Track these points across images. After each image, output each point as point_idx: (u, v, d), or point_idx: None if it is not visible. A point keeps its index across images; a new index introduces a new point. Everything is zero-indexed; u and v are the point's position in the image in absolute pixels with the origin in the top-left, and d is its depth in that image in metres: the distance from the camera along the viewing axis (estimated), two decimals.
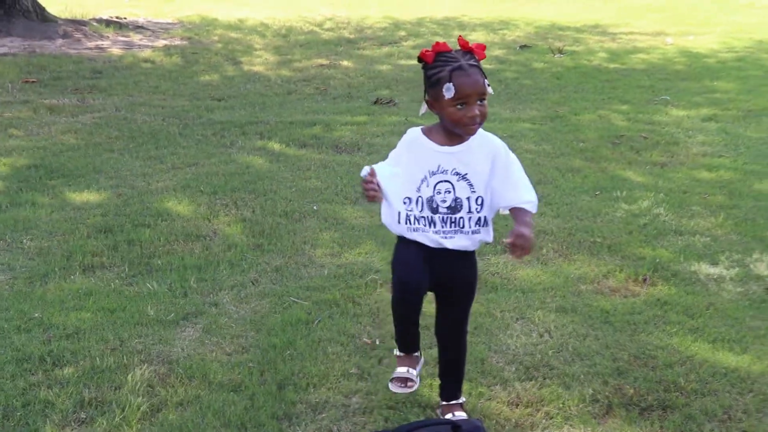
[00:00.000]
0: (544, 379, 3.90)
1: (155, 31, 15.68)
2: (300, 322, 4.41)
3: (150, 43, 14.28)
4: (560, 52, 13.69)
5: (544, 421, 3.58)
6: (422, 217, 3.25)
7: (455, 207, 3.23)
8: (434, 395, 3.72)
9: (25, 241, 5.50)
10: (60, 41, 13.96)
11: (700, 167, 7.32)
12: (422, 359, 3.70)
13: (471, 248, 3.33)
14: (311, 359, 4.05)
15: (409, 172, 3.25)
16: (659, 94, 10.50)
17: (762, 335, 4.30)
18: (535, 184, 6.57)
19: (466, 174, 3.21)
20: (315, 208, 6.13)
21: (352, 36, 15.65)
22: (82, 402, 3.68)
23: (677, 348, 4.17)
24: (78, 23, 15.27)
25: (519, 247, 3.09)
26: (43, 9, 15.00)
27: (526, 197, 3.28)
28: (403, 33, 15.99)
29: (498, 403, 3.70)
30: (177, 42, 14.56)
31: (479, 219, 3.27)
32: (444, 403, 3.60)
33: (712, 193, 6.57)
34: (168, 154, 7.56)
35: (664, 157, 7.66)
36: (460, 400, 3.61)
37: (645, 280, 4.96)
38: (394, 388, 3.54)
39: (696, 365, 4.00)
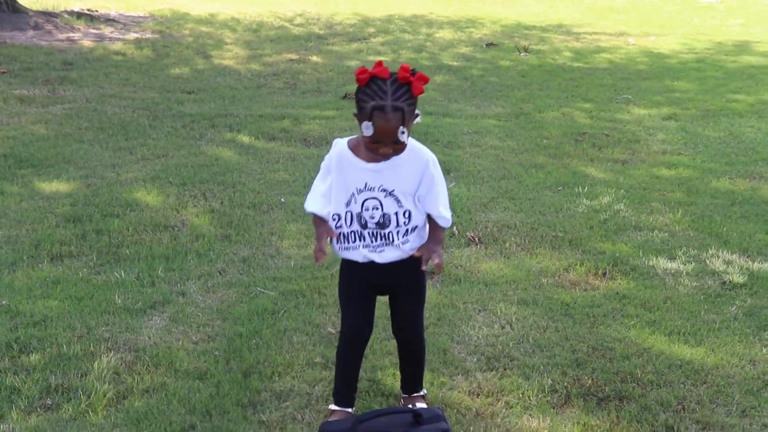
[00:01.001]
0: (505, 369, 3.97)
1: (126, 24, 15.63)
2: (266, 311, 4.47)
3: (121, 36, 14.23)
4: (526, 50, 13.78)
5: (504, 410, 3.64)
6: (352, 232, 3.29)
7: (383, 223, 3.26)
8: (397, 384, 3.78)
9: None
10: (31, 32, 13.88)
11: (659, 165, 7.43)
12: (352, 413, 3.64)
13: (401, 257, 3.34)
14: (276, 348, 4.10)
15: (338, 188, 3.28)
16: (621, 93, 10.62)
17: (716, 329, 4.40)
18: (499, 179, 6.71)
19: (393, 190, 3.22)
20: (283, 200, 6.17)
21: (321, 32, 15.67)
22: (48, 388, 3.72)
23: (635, 340, 4.25)
24: (49, 15, 15.18)
25: (426, 259, 3.24)
26: (14, 0, 14.90)
27: (443, 213, 3.31)
28: (372, 30, 16.03)
29: (459, 392, 3.77)
30: (148, 35, 14.52)
31: (407, 230, 3.30)
32: (405, 395, 3.66)
33: (670, 190, 6.68)
34: (138, 145, 7.57)
35: (625, 154, 7.77)
36: (421, 393, 3.67)
37: (604, 273, 5.05)
38: None
39: (652, 357, 4.09)
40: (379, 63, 3.10)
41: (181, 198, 6.15)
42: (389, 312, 3.60)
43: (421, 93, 3.07)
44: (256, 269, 5.02)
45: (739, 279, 4.99)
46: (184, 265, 5.04)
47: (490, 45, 14.49)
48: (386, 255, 3.32)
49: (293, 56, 12.93)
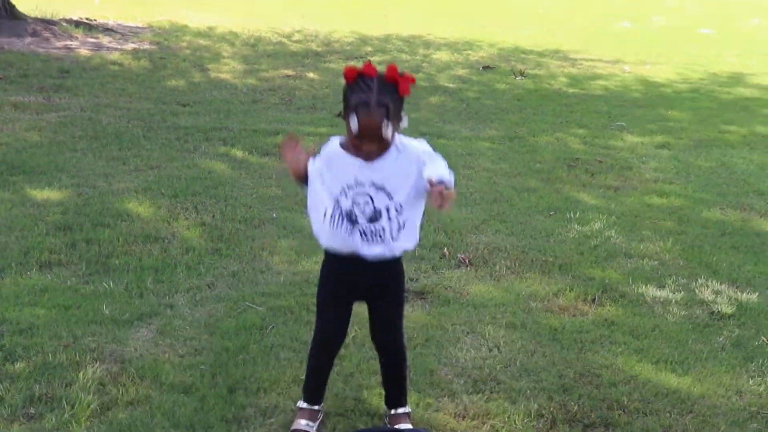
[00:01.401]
0: (491, 392, 3.97)
1: (125, 34, 15.63)
2: (254, 327, 4.46)
3: (119, 46, 14.23)
4: (522, 74, 13.81)
5: None
6: (342, 224, 3.30)
7: (374, 217, 3.26)
8: (383, 403, 3.77)
9: None
10: (28, 39, 13.87)
11: (651, 193, 7.45)
12: (322, 414, 3.67)
13: (389, 256, 3.36)
14: (263, 364, 4.09)
15: (328, 185, 3.28)
16: (615, 120, 10.65)
17: (704, 358, 4.41)
18: (491, 201, 6.71)
19: (384, 185, 3.23)
20: (274, 215, 6.17)
21: (319, 49, 15.69)
22: (31, 397, 3.70)
23: (622, 367, 4.26)
24: (47, 22, 15.17)
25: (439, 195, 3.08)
26: (12, 6, 14.89)
27: (446, 173, 3.22)
28: (369, 48, 16.06)
29: (445, 414, 3.76)
30: (146, 46, 14.53)
31: (399, 225, 3.30)
32: (392, 412, 3.65)
33: (662, 218, 6.70)
34: (131, 155, 7.56)
35: (617, 181, 7.79)
36: (406, 409, 3.66)
37: (594, 300, 5.06)
38: None
39: (639, 385, 4.09)
40: (368, 63, 3.15)
41: (173, 210, 6.14)
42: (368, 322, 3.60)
43: (407, 93, 3.11)
44: (245, 284, 5.02)
45: (727, 309, 5.00)
46: (174, 278, 5.03)
47: (486, 68, 14.53)
48: (375, 250, 3.31)
49: (290, 72, 12.94)
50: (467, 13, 23.60)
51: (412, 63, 14.56)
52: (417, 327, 4.56)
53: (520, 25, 21.63)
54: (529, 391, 3.98)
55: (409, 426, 3.58)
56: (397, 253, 3.38)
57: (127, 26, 16.73)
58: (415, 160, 3.24)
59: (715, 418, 3.85)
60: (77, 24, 15.55)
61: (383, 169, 3.22)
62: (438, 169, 3.19)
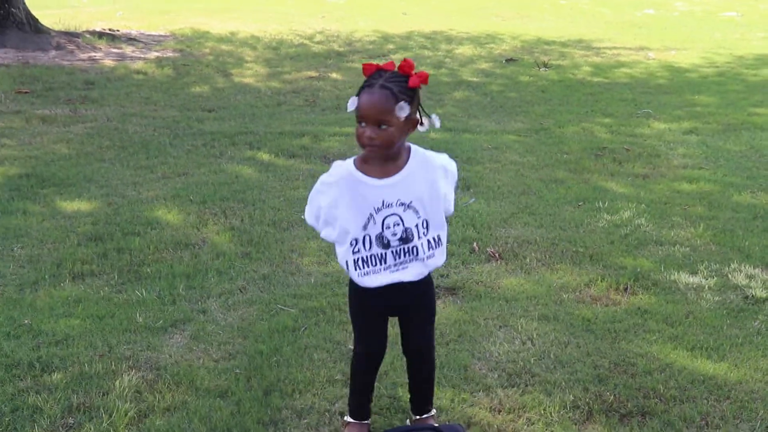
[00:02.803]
0: (526, 385, 3.96)
1: (147, 43, 15.73)
2: (287, 329, 4.47)
3: (142, 55, 14.32)
4: (545, 65, 13.77)
5: (525, 427, 3.63)
6: (371, 255, 3.22)
7: (406, 237, 3.20)
8: None
9: (15, 249, 5.56)
10: (53, 53, 14.00)
11: (680, 179, 7.41)
12: (369, 429, 3.64)
13: (425, 274, 3.32)
14: (297, 366, 4.10)
15: (352, 212, 3.17)
16: (641, 108, 10.60)
17: (739, 343, 4.37)
18: (519, 194, 6.70)
19: (411, 202, 3.17)
20: (303, 217, 6.18)
21: (341, 49, 15.72)
22: (70, 407, 3.73)
23: (657, 355, 4.23)
24: (71, 35, 15.29)
25: None
26: (36, 21, 15.02)
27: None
28: (391, 46, 16.07)
29: (480, 409, 3.76)
30: (169, 54, 14.61)
31: (430, 241, 3.25)
32: (417, 417, 3.63)
33: (692, 204, 6.66)
34: (158, 163, 7.61)
35: (645, 168, 7.75)
36: (431, 413, 3.64)
37: (626, 289, 5.03)
38: None
39: (675, 372, 4.07)
40: (391, 62, 3.13)
41: (202, 216, 6.18)
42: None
43: (416, 86, 3.06)
44: (276, 286, 5.03)
45: (761, 293, 4.96)
46: (205, 283, 5.06)
47: (509, 60, 14.50)
48: (411, 271, 3.27)
49: (313, 73, 12.98)
50: (488, 6, 23.53)
51: (434, 59, 14.55)
52: (449, 323, 4.55)
53: (542, 17, 21.56)
54: (564, 383, 3.96)
55: None
56: (429, 270, 3.33)
57: (150, 35, 16.83)
58: (436, 173, 3.22)
59: (753, 403, 3.82)
60: (100, 35, 15.67)
61: (409, 185, 3.17)
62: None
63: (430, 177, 3.21)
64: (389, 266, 3.24)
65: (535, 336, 4.44)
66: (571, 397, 3.84)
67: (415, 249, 3.23)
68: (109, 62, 13.45)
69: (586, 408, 3.77)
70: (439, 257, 3.32)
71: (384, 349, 3.53)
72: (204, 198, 6.55)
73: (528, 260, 5.46)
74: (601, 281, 5.13)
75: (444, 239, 3.33)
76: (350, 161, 3.19)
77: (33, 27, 14.80)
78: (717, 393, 3.90)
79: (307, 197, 3.31)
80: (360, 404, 3.60)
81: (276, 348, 4.27)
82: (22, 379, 3.95)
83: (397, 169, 3.16)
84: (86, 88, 11.27)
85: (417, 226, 3.21)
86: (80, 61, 13.43)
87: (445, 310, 4.72)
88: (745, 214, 6.40)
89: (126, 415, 3.66)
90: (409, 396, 3.69)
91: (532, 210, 6.41)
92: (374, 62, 3.16)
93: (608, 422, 3.66)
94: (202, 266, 5.30)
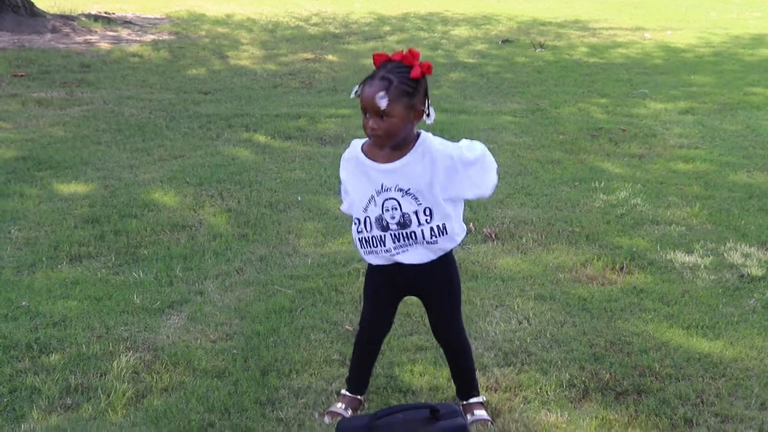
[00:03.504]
0: (522, 364, 3.97)
1: (143, 26, 15.68)
2: (284, 309, 4.49)
3: (138, 38, 14.29)
4: (541, 46, 13.76)
5: (521, 405, 3.64)
6: (372, 237, 3.27)
7: (404, 222, 3.21)
8: (415, 379, 3.81)
9: (12, 231, 5.56)
10: (49, 36, 13.96)
11: (676, 159, 7.41)
12: (362, 405, 3.65)
13: (432, 257, 3.31)
14: (294, 346, 4.12)
15: (356, 193, 3.29)
16: (637, 88, 10.60)
17: (735, 322, 4.39)
18: (516, 175, 6.70)
19: (409, 189, 3.18)
20: (299, 199, 6.19)
21: (337, 31, 15.69)
22: (68, 388, 3.74)
23: (652, 334, 4.25)
24: (66, 18, 15.25)
25: None
26: (32, 4, 14.98)
27: (488, 188, 3.31)
28: (387, 28, 16.04)
29: None
30: (165, 37, 14.57)
31: (433, 228, 3.23)
32: (464, 402, 3.60)
33: (688, 184, 6.67)
34: (155, 146, 7.61)
35: (641, 149, 7.75)
36: (479, 399, 3.60)
37: (622, 268, 5.05)
38: (327, 419, 3.53)
39: (671, 351, 4.08)
40: (399, 52, 3.13)
41: (198, 198, 6.18)
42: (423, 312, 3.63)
43: (418, 77, 3.07)
44: (273, 268, 5.04)
45: (757, 272, 4.97)
46: (202, 265, 5.07)
47: (506, 42, 14.48)
48: (411, 255, 3.28)
49: (309, 56, 12.95)
50: None
51: (430, 40, 14.52)
52: None
53: None
54: (560, 362, 3.97)
55: (483, 414, 3.54)
56: (437, 255, 3.31)
57: (146, 18, 16.79)
58: (441, 163, 3.18)
59: (748, 380, 3.83)
60: (96, 18, 15.62)
61: (408, 172, 3.18)
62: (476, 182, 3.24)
63: (433, 167, 3.18)
64: (389, 249, 3.27)
65: (531, 315, 4.45)
66: (567, 376, 3.85)
67: (413, 234, 3.23)
68: (104, 45, 13.41)
69: (582, 386, 3.78)
70: (447, 243, 3.29)
71: (384, 328, 3.58)
72: (200, 180, 6.55)
73: (524, 240, 5.47)
74: (597, 261, 5.14)
75: (453, 226, 3.28)
76: (360, 143, 3.29)
77: (28, 10, 14.76)
78: (712, 371, 3.91)
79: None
80: (355, 377, 3.64)
81: (273, 328, 4.28)
82: (20, 360, 3.96)
83: (400, 156, 3.18)
84: (82, 71, 11.24)
85: (416, 213, 3.20)
86: (76, 44, 13.40)
87: None
88: (741, 194, 6.41)
89: (124, 395, 3.67)
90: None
91: (528, 190, 6.42)
92: (383, 52, 3.18)
93: (604, 400, 3.68)
94: (199, 248, 5.30)
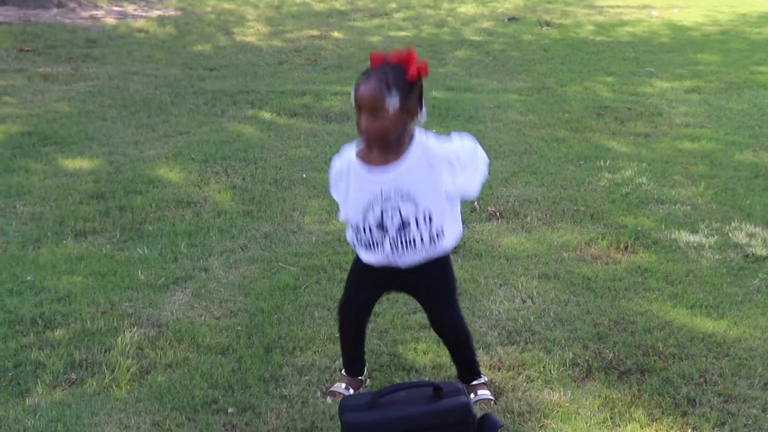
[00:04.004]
0: (526, 343, 3.97)
1: (149, 1, 15.66)
2: (288, 287, 4.49)
3: (144, 14, 14.27)
4: (548, 24, 13.70)
5: (525, 384, 3.64)
6: (370, 241, 3.25)
7: (403, 227, 3.18)
8: (419, 358, 3.81)
9: (18, 206, 5.57)
10: (55, 11, 13.94)
11: (682, 138, 7.40)
12: (366, 382, 3.67)
13: (425, 261, 3.30)
14: (298, 323, 4.12)
15: (353, 199, 3.24)
16: (644, 66, 10.56)
17: (739, 301, 4.38)
18: (521, 153, 6.69)
19: (409, 192, 3.15)
20: (304, 176, 6.19)
21: (343, 8, 15.64)
22: (72, 363, 3.75)
23: (656, 314, 4.24)
24: None
25: None
26: None
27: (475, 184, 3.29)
28: (393, 5, 15.98)
29: (480, 366, 3.73)
30: (171, 12, 14.55)
31: (432, 233, 3.22)
32: (465, 384, 3.57)
33: (693, 163, 6.65)
34: (160, 122, 7.61)
35: (647, 127, 7.73)
36: (481, 380, 3.61)
37: (626, 247, 5.04)
38: (329, 399, 3.53)
39: (674, 330, 4.08)
40: (395, 53, 3.11)
41: (203, 174, 6.18)
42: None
43: (414, 79, 3.05)
44: (277, 245, 5.05)
45: (762, 251, 4.96)
46: (207, 241, 5.07)
47: (512, 19, 14.42)
48: (408, 259, 3.27)
49: (315, 32, 12.91)
50: None
51: (436, 18, 14.47)
52: None
53: None
54: (563, 341, 3.97)
55: (487, 394, 3.55)
56: (436, 255, 3.31)
57: None
58: (440, 163, 3.16)
59: (751, 360, 3.83)
60: None
61: (407, 175, 3.14)
62: (467, 183, 3.23)
63: (431, 169, 3.16)
64: (387, 255, 3.25)
65: (535, 294, 4.45)
66: (571, 355, 3.85)
67: (413, 240, 3.22)
68: (110, 20, 13.39)
69: (586, 365, 3.78)
70: (444, 246, 3.29)
71: (358, 314, 3.54)
72: (206, 156, 6.55)
73: (529, 219, 5.46)
74: (602, 240, 5.13)
75: (451, 227, 3.29)
76: (353, 149, 3.22)
77: None
78: (716, 350, 3.91)
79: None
80: (350, 360, 3.64)
81: (277, 306, 4.29)
82: (25, 335, 3.98)
83: (397, 158, 3.13)
84: (88, 47, 11.23)
85: (416, 216, 3.18)
86: (82, 20, 13.38)
87: None
88: (747, 173, 6.40)
89: (128, 371, 3.68)
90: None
91: (533, 169, 6.41)
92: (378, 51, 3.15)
93: (607, 380, 3.68)
94: (203, 224, 5.31)
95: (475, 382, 3.59)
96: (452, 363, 3.68)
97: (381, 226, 3.20)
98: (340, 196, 3.33)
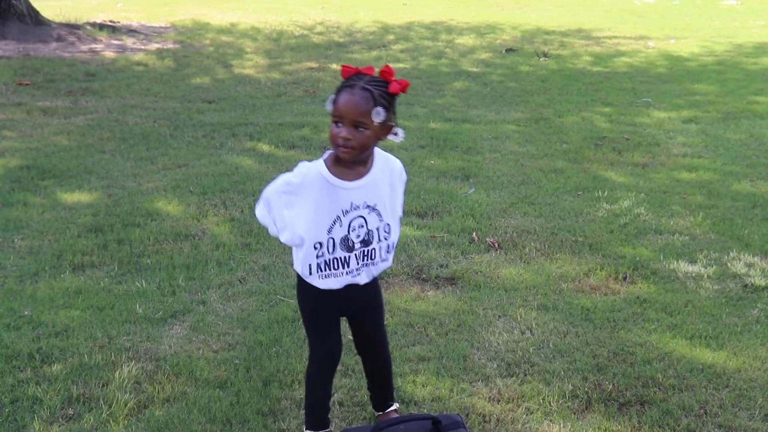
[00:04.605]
0: (525, 375, 3.96)
1: (148, 34, 15.72)
2: (286, 319, 4.48)
3: (143, 47, 14.32)
4: (545, 55, 13.76)
5: (524, 416, 3.63)
6: (335, 258, 3.18)
7: (368, 240, 3.19)
8: (418, 390, 3.80)
9: (16, 240, 5.57)
10: (54, 44, 14.00)
11: (680, 168, 7.41)
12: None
13: (375, 275, 3.33)
14: (296, 356, 4.11)
15: (318, 214, 3.09)
16: (641, 97, 10.59)
17: (738, 332, 4.38)
18: (519, 184, 6.70)
19: (375, 204, 3.16)
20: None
21: (342, 40, 15.71)
22: (69, 398, 3.74)
23: (656, 344, 4.24)
24: (72, 27, 15.29)
25: None
26: (37, 13, 15.03)
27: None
28: (392, 37, 16.05)
29: (479, 398, 3.76)
30: (169, 45, 14.60)
31: (388, 246, 3.26)
32: (380, 413, 3.61)
33: (691, 193, 6.66)
34: (159, 155, 7.62)
35: (645, 158, 7.75)
36: (395, 406, 3.62)
37: (625, 278, 5.04)
38: None
39: (674, 361, 4.07)
40: (370, 67, 3.09)
41: (202, 207, 6.18)
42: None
43: (396, 93, 3.02)
44: (276, 277, 5.04)
45: (761, 282, 4.96)
46: (205, 274, 5.06)
47: (509, 50, 14.49)
48: (365, 276, 3.27)
49: (313, 64, 12.97)
50: None
51: (434, 49, 14.53)
52: (448, 313, 4.57)
53: (541, 6, 21.52)
54: (563, 372, 3.97)
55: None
56: (379, 272, 3.35)
57: (151, 27, 16.82)
58: (396, 177, 3.25)
59: (752, 391, 3.82)
60: (101, 27, 15.66)
61: (374, 187, 3.15)
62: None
63: (390, 181, 3.22)
64: (351, 270, 3.22)
65: (534, 325, 4.44)
66: (570, 387, 3.85)
67: (373, 252, 3.23)
68: (109, 54, 13.45)
69: (585, 397, 3.78)
70: (388, 261, 3.33)
71: (338, 356, 3.44)
72: (204, 189, 6.56)
73: (527, 250, 5.46)
74: (601, 270, 5.14)
75: (395, 244, 3.33)
76: (320, 162, 3.11)
77: (34, 19, 14.81)
78: (716, 381, 3.91)
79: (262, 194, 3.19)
80: (321, 415, 3.49)
81: (275, 339, 4.27)
82: (22, 370, 3.96)
83: (366, 171, 3.13)
84: (87, 80, 11.27)
85: (378, 229, 3.21)
86: (81, 53, 13.43)
87: (444, 300, 4.73)
88: (745, 203, 6.41)
89: (125, 405, 3.67)
90: (369, 395, 3.66)
91: (532, 200, 6.42)
92: (352, 65, 3.12)
93: (607, 411, 3.67)
94: (201, 257, 5.30)
95: (390, 409, 3.61)
96: (370, 388, 3.64)
97: (346, 240, 3.16)
98: (291, 215, 3.10)
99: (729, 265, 5.23)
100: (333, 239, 3.13)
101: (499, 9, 21.39)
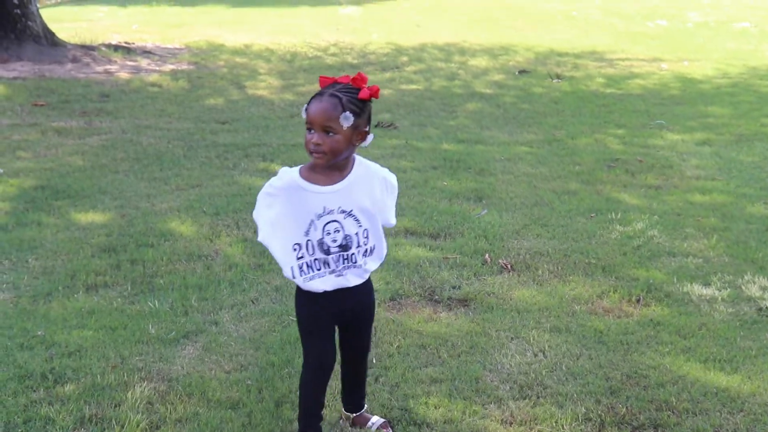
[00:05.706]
0: (538, 397, 3.95)
1: (163, 56, 15.78)
2: (298, 340, 4.42)
3: (157, 68, 14.37)
4: (558, 77, 13.75)
5: None
6: (315, 260, 3.28)
7: (346, 245, 3.29)
8: (430, 412, 3.79)
9: (30, 260, 5.59)
10: (69, 65, 14.06)
11: (693, 190, 7.39)
12: None
13: (362, 280, 3.41)
14: None
15: (294, 218, 3.23)
16: (654, 119, 10.57)
17: (753, 355, 4.36)
18: (532, 205, 6.69)
19: (351, 210, 3.26)
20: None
21: (355, 61, 15.74)
22: (82, 419, 3.75)
23: (669, 367, 4.22)
24: (87, 48, 15.37)
25: None
26: (53, 34, 15.11)
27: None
28: (405, 58, 16.07)
29: (492, 421, 3.76)
30: (184, 66, 14.66)
31: (366, 251, 3.35)
32: (354, 415, 3.72)
33: (705, 215, 6.64)
34: (172, 175, 7.64)
35: (658, 180, 7.73)
36: (364, 408, 3.73)
37: (638, 300, 5.03)
38: None
39: (687, 385, 4.06)
40: (346, 76, 3.24)
41: (215, 228, 6.20)
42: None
43: (366, 98, 3.16)
44: (288, 298, 5.04)
45: None
46: (218, 295, 5.07)
47: (523, 72, 14.49)
48: (350, 278, 3.35)
49: None
50: (501, 18, 23.53)
51: (447, 71, 14.55)
52: (461, 334, 4.56)
53: (555, 28, 21.53)
54: (576, 395, 3.96)
55: (378, 419, 3.69)
56: (367, 275, 3.43)
57: (165, 48, 16.89)
58: (378, 183, 3.34)
59: (766, 416, 3.80)
60: (116, 48, 15.73)
61: (351, 193, 3.26)
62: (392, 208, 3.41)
63: (371, 187, 3.32)
64: (333, 270, 3.31)
65: (547, 348, 4.43)
66: (583, 410, 3.84)
67: (353, 257, 3.32)
68: (124, 75, 13.51)
69: (598, 420, 3.77)
70: (373, 263, 3.41)
71: (333, 362, 3.50)
72: (217, 210, 6.58)
73: (540, 272, 5.45)
74: (614, 293, 5.12)
75: (379, 249, 3.41)
76: (296, 169, 3.28)
77: (49, 40, 14.89)
78: (730, 405, 3.89)
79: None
80: (310, 416, 3.56)
81: (288, 359, 4.27)
82: (35, 390, 3.97)
83: (341, 177, 3.25)
84: (101, 101, 11.32)
85: (357, 234, 3.30)
86: (96, 74, 13.50)
87: (456, 321, 4.73)
88: (759, 226, 6.38)
89: (138, 426, 3.68)
90: (342, 397, 3.78)
91: (545, 221, 6.41)
92: (331, 75, 3.27)
93: None
94: (214, 278, 5.31)
95: (362, 411, 3.72)
96: (346, 392, 3.74)
97: (321, 244, 3.26)
98: (271, 216, 3.24)
99: (743, 288, 5.21)
100: (311, 241, 3.25)
101: (513, 31, 21.40)
